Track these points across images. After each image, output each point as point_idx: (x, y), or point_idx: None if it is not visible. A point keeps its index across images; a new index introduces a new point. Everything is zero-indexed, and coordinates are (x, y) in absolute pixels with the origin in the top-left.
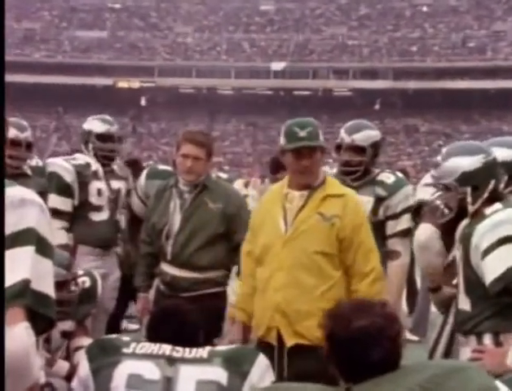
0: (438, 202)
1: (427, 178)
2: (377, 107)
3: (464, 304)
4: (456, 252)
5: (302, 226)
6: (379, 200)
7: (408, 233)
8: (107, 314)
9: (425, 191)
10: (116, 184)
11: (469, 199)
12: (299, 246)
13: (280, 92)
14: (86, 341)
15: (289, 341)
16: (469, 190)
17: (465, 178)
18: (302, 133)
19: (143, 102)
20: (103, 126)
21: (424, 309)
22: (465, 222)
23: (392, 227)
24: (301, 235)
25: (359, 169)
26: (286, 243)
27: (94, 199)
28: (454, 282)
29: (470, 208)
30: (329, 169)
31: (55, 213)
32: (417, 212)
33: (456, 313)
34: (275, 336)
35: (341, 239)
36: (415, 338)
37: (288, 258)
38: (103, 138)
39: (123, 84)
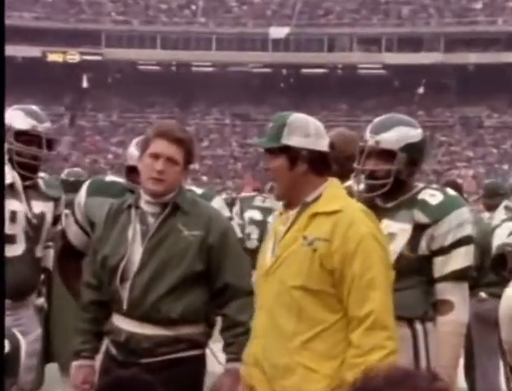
0: None
1: (501, 213)
2: (420, 90)
3: None
4: None
5: (285, 253)
6: (420, 228)
7: (463, 275)
8: None
9: (506, 228)
10: (39, 206)
11: None
12: (279, 279)
13: (282, 70)
14: None
15: None
16: None
17: None
18: (268, 130)
19: (84, 83)
20: (25, 121)
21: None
22: None
23: (440, 267)
24: (282, 264)
25: (386, 182)
26: (268, 276)
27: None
28: None
29: None
30: (355, 185)
31: None
32: (501, 261)
33: None
34: None
35: (330, 271)
36: None
37: (268, 295)
38: (25, 138)
39: (56, 57)
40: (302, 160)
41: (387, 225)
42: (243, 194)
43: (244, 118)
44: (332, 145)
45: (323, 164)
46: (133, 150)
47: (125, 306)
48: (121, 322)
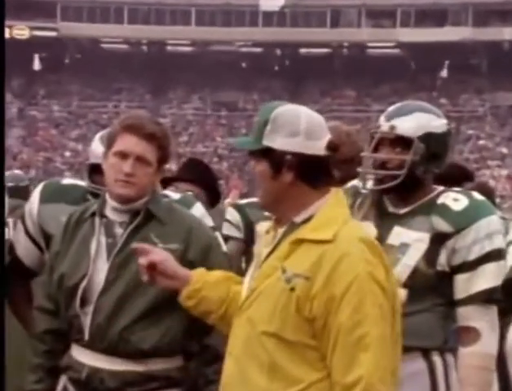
0: None
1: None
2: (443, 74)
3: None
4: None
5: (261, 286)
6: (439, 239)
7: (492, 297)
8: None
9: None
10: None
11: None
12: (250, 319)
13: (276, 50)
14: None
15: None
16: None
17: None
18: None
19: (36, 64)
20: None
21: None
22: None
23: (464, 287)
24: (255, 301)
25: (398, 173)
26: (240, 313)
27: None
28: None
29: None
30: (362, 182)
31: None
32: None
33: None
34: None
35: (308, 319)
36: None
37: (238, 338)
38: None
39: None
40: (288, 167)
41: (399, 233)
42: (228, 199)
43: (231, 108)
44: (334, 146)
45: (318, 173)
46: (96, 145)
47: (86, 336)
48: (82, 356)
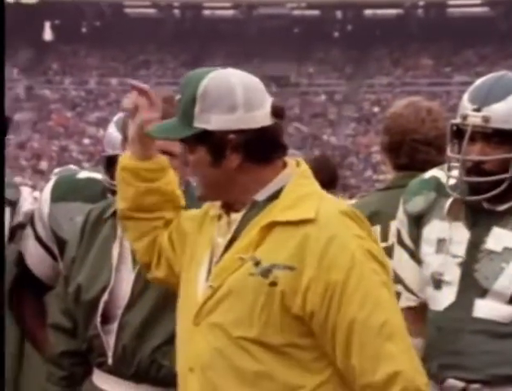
0: None
1: None
2: None
3: None
4: None
5: (226, 284)
6: None
7: None
8: None
9: None
10: None
11: None
12: (218, 326)
13: (335, 12)
14: None
15: None
16: None
17: None
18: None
19: (47, 33)
20: None
21: None
22: None
23: None
24: (223, 303)
25: (500, 178)
26: (199, 318)
27: None
28: None
29: None
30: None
31: None
32: None
33: None
34: None
35: (298, 317)
36: None
37: (202, 351)
38: None
39: None
40: (232, 148)
41: (499, 236)
42: None
43: (282, 82)
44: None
45: (268, 147)
46: (112, 132)
47: (110, 359)
48: (105, 383)
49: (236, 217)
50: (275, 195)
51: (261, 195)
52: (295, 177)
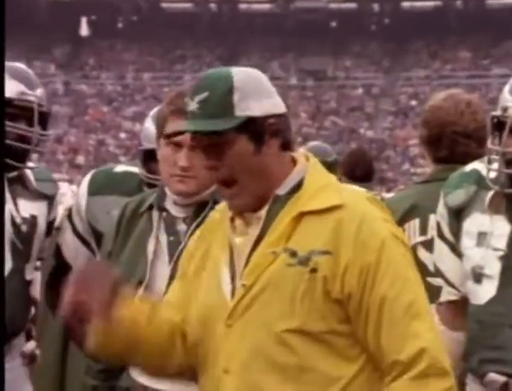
0: None
1: None
2: None
3: None
4: None
5: (260, 280)
6: None
7: None
8: None
9: None
10: (28, 207)
11: None
12: (256, 323)
13: (373, 5)
14: None
15: None
16: None
17: None
18: (192, 105)
19: (84, 29)
20: (10, 86)
21: None
22: None
23: None
24: (257, 299)
25: None
26: (233, 318)
27: None
28: None
29: None
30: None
31: None
32: None
33: None
34: None
35: (337, 301)
36: None
37: (239, 349)
38: (9, 110)
39: None
40: (271, 133)
41: None
42: None
43: (318, 76)
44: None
45: (290, 135)
46: (149, 126)
47: None
48: (144, 377)
49: (259, 215)
50: (295, 189)
51: (283, 189)
52: (311, 170)
